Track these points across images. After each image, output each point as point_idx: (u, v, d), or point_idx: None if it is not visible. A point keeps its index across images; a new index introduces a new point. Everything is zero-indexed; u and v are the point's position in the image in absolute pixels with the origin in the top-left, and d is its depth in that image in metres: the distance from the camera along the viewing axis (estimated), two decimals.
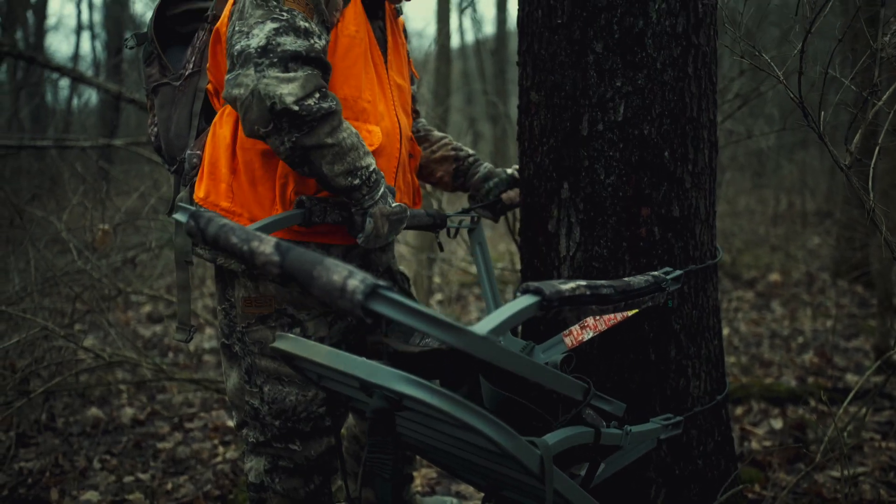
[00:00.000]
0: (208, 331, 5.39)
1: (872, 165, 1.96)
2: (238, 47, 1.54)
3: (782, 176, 10.70)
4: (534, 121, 2.06)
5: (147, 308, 6.35)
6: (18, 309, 3.53)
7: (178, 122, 1.89)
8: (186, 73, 1.89)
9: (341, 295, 0.95)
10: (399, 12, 2.03)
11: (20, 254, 3.97)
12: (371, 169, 1.66)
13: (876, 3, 2.05)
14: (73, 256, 3.81)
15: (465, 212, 2.15)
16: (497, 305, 2.00)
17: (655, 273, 1.46)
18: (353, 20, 1.74)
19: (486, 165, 2.21)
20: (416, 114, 2.23)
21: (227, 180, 1.74)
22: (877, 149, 1.99)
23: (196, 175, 1.81)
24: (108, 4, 15.45)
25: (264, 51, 1.51)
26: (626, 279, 1.37)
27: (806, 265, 7.21)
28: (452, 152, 2.20)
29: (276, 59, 1.51)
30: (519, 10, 2.11)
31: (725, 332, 5.17)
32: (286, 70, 1.51)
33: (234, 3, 1.68)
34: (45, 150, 5.27)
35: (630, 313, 1.58)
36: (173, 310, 5.65)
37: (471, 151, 2.23)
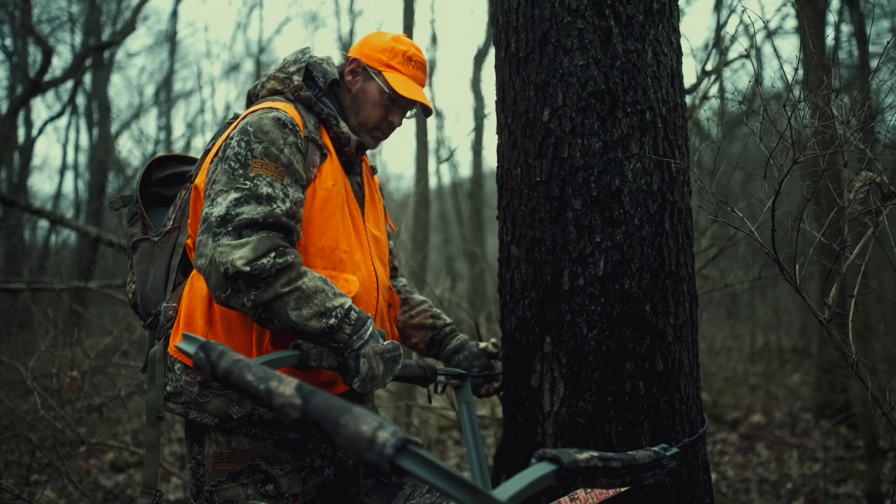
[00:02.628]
0: (174, 480, 5.12)
1: (850, 318, 1.97)
2: (204, 213, 1.62)
3: (756, 312, 10.83)
4: (514, 274, 2.06)
5: (111, 455, 6.05)
6: None
7: (155, 276, 1.90)
8: (166, 229, 1.92)
9: (369, 447, 0.89)
10: (375, 170, 2.13)
11: None
12: (346, 307, 1.63)
13: (837, 162, 2.14)
14: (35, 401, 3.65)
15: (448, 375, 2.09)
16: (482, 467, 1.91)
17: (656, 448, 1.43)
18: (331, 175, 1.80)
19: (460, 337, 2.20)
20: (394, 270, 2.26)
21: (202, 331, 1.72)
22: (852, 301, 2.02)
23: (171, 327, 1.80)
24: (94, 147, 15.84)
25: (223, 220, 1.58)
26: (631, 453, 1.35)
27: (788, 405, 7.14)
28: (430, 320, 2.20)
29: (231, 228, 1.57)
30: (498, 167, 2.17)
31: (713, 477, 5.02)
32: (239, 237, 1.56)
33: (211, 163, 1.76)
34: (18, 292, 5.19)
35: (623, 489, 1.53)
36: (137, 458, 5.39)
37: (448, 321, 2.23)
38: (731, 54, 5.23)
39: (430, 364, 2.02)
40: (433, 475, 0.91)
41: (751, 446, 5.95)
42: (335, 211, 1.79)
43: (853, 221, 2.04)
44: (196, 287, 1.76)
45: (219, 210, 1.59)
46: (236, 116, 1.93)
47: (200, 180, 1.77)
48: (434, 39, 19.01)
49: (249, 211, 1.58)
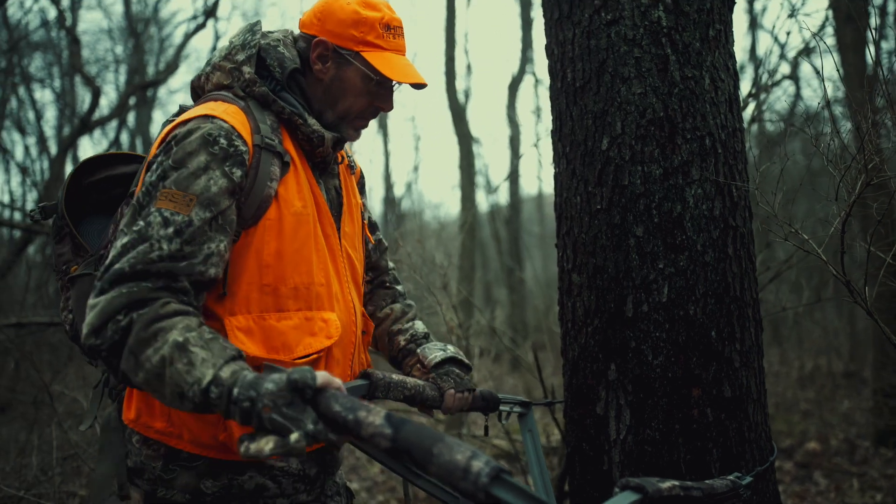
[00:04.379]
0: None
1: None
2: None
3: (802, 333, 10.60)
4: (577, 302, 2.07)
5: None
6: (34, 493, 3.42)
7: None
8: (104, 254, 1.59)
9: (464, 476, 0.93)
10: (353, 167, 1.80)
11: (41, 432, 3.90)
12: (203, 385, 1.19)
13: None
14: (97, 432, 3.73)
15: (511, 402, 2.05)
16: (549, 495, 1.90)
17: (731, 477, 1.42)
18: (298, 194, 1.50)
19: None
20: (380, 271, 1.96)
21: None
22: None
23: (125, 388, 1.51)
24: None
25: (104, 271, 1.32)
26: (708, 482, 1.34)
27: (843, 432, 6.95)
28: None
29: (98, 284, 1.30)
30: (556, 196, 2.18)
31: None
32: (97, 296, 1.29)
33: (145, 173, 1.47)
34: None
35: None
36: None
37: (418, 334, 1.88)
38: (776, 73, 5.21)
39: (491, 392, 2.00)
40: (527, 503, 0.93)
41: (808, 475, 5.79)
42: (307, 239, 1.50)
43: None
44: None
45: (108, 258, 1.32)
46: (181, 110, 1.62)
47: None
48: (469, 68, 19.22)
49: (123, 261, 1.30)
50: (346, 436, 1.11)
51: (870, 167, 1.88)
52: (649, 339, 1.92)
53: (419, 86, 1.62)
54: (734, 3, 2.16)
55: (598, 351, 1.99)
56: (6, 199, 14.30)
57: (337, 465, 1.71)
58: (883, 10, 8.58)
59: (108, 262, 1.31)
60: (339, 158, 1.72)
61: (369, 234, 1.86)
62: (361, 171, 1.86)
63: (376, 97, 1.60)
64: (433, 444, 0.97)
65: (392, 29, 1.57)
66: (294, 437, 1.09)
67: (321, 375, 1.14)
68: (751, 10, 11.68)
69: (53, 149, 14.22)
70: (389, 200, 17.57)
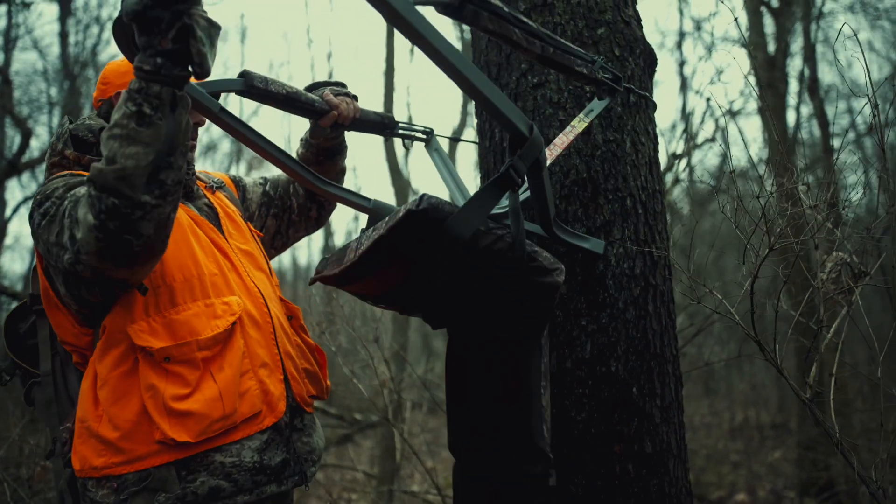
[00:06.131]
0: None
1: (832, 398, 2.01)
2: (63, 266, 1.49)
3: (732, 384, 10.85)
4: None
5: None
6: None
7: (65, 413, 1.76)
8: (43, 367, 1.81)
9: None
10: (217, 185, 2.02)
11: None
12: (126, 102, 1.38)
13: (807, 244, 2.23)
14: (5, 492, 3.53)
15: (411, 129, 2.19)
16: (465, 198, 1.98)
17: None
18: None
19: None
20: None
21: (95, 432, 1.57)
22: (832, 380, 2.06)
23: (70, 449, 1.62)
24: None
25: (73, 240, 1.46)
26: None
27: (771, 483, 7.10)
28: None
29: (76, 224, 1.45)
30: None
31: None
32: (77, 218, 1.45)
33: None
34: None
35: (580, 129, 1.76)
36: None
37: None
38: (698, 136, 5.46)
39: (390, 115, 2.09)
40: None
41: None
42: (181, 242, 1.69)
43: (827, 301, 2.11)
44: (83, 391, 1.64)
45: (70, 245, 1.46)
46: None
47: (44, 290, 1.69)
48: (410, 121, 19.49)
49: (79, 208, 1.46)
50: None
51: (777, 232, 1.97)
52: (572, 396, 1.95)
53: None
54: (654, 70, 2.27)
55: None
56: None
57: (315, 453, 1.80)
58: (801, 77, 9.14)
59: (69, 233, 1.47)
60: (201, 186, 1.95)
61: (257, 232, 2.07)
62: (230, 178, 2.14)
63: None
64: None
65: None
66: None
67: None
68: (682, 73, 12.22)
69: None
70: (329, 249, 17.47)
